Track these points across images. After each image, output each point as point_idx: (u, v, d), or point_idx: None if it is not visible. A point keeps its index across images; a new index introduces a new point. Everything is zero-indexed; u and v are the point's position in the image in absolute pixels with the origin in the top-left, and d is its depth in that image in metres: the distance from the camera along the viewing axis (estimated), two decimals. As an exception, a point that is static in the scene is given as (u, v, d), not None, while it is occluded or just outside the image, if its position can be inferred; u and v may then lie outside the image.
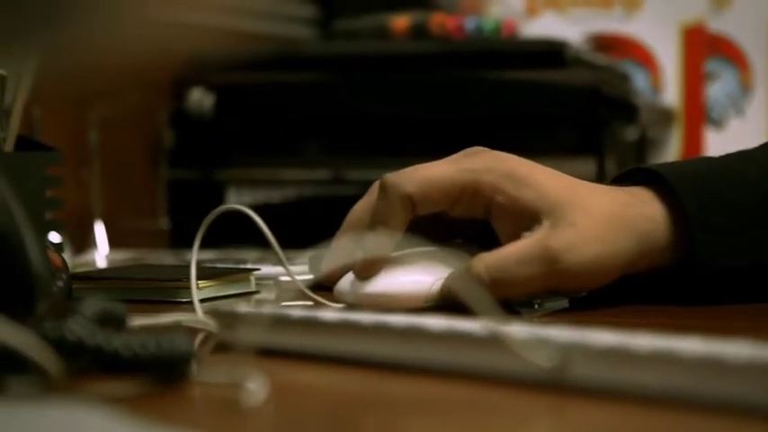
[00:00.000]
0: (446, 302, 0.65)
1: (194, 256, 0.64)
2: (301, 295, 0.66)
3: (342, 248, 0.68)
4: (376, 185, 0.69)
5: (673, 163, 0.75)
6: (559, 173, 0.68)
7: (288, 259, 0.80)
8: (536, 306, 0.68)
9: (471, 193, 0.66)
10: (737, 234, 0.68)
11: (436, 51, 1.17)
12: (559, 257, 0.64)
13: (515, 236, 0.66)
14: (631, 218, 0.67)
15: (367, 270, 0.65)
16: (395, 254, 0.67)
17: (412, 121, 1.15)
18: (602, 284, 0.67)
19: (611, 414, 0.43)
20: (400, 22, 1.25)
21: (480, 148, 0.69)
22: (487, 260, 0.65)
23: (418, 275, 0.66)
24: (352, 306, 0.65)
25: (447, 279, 0.66)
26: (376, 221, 0.67)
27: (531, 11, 1.57)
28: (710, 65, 1.55)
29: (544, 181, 0.66)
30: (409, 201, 0.66)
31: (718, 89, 1.55)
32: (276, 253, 0.64)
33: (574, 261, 0.64)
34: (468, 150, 0.69)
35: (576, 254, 0.64)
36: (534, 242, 0.65)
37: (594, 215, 0.66)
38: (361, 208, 0.71)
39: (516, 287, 0.65)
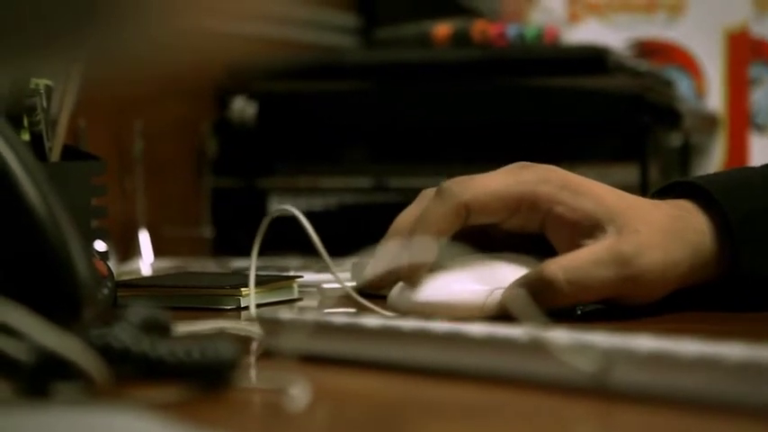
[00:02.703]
0: (503, 313, 0.65)
1: (253, 262, 0.64)
2: (345, 302, 0.66)
3: (387, 254, 0.68)
4: (424, 193, 0.69)
5: (714, 174, 0.75)
6: (608, 186, 0.69)
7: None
8: (579, 312, 0.68)
9: (529, 204, 0.66)
10: None
11: (478, 59, 1.18)
12: (632, 261, 0.64)
13: (574, 246, 0.66)
14: (683, 230, 0.67)
15: (412, 273, 0.65)
16: (450, 261, 0.66)
17: (453, 129, 1.15)
18: (663, 296, 0.67)
19: (655, 419, 0.43)
20: (442, 30, 1.25)
21: (528, 162, 0.69)
22: (562, 263, 0.65)
23: (474, 284, 0.66)
24: (404, 314, 0.64)
25: (513, 284, 0.65)
26: (424, 222, 0.66)
27: (573, 17, 1.57)
28: (754, 70, 1.54)
29: (599, 191, 0.67)
30: (465, 208, 0.66)
31: (762, 94, 1.54)
32: (322, 259, 0.64)
33: (645, 265, 0.65)
34: (520, 163, 0.69)
35: (646, 259, 0.65)
36: (606, 247, 0.65)
37: (654, 225, 0.66)
38: (408, 215, 0.71)
39: (591, 291, 0.65)
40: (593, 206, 0.66)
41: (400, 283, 0.66)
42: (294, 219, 0.63)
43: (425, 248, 0.65)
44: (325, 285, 0.77)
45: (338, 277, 0.66)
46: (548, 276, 0.64)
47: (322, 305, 0.66)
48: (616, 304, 0.67)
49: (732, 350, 0.43)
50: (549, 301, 0.63)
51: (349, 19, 1.50)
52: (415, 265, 0.65)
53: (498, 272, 0.67)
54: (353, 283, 0.69)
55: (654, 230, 0.66)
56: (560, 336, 0.47)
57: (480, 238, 0.70)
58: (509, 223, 0.67)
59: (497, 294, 0.65)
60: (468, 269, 0.67)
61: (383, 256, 0.68)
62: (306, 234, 0.63)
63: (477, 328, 0.49)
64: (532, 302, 0.46)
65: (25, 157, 0.54)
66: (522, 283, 0.65)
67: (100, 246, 0.78)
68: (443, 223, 0.66)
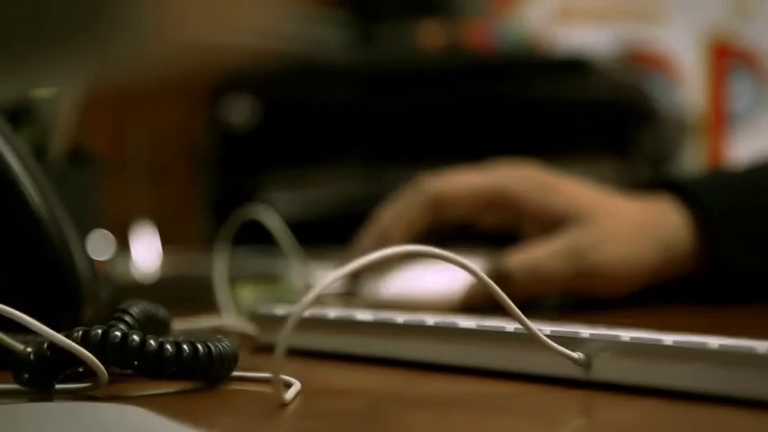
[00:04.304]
0: (472, 306, 0.66)
1: (221, 259, 0.65)
2: (336, 298, 0.68)
3: (363, 247, 0.69)
4: (404, 189, 0.71)
5: (694, 173, 0.77)
6: (585, 183, 0.70)
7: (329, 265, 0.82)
8: (549, 307, 0.69)
9: (501, 201, 0.68)
10: (762, 240, 0.69)
11: (466, 66, 1.19)
12: (587, 253, 0.66)
13: None
14: (655, 226, 0.68)
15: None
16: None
17: (445, 132, 1.17)
18: (628, 291, 0.68)
19: (639, 408, 0.43)
20: (432, 34, 1.26)
21: (505, 160, 0.71)
22: (519, 254, 0.66)
23: (444, 279, 0.67)
24: (377, 307, 0.66)
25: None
26: (396, 214, 0.68)
27: (560, 21, 1.57)
28: (736, 77, 1.55)
29: (572, 190, 0.68)
30: (437, 201, 0.68)
31: (743, 101, 1.55)
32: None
33: (600, 259, 0.66)
34: (498, 161, 0.70)
35: (602, 252, 0.66)
36: (562, 239, 0.66)
37: (620, 220, 0.67)
38: (386, 209, 0.72)
39: (547, 282, 0.66)
40: (564, 204, 0.67)
41: (374, 276, 0.68)
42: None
43: (395, 239, 0.67)
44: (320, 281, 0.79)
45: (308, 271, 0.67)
46: (503, 267, 0.66)
47: (315, 301, 0.67)
48: (588, 298, 0.68)
49: (719, 340, 0.44)
50: (508, 293, 0.64)
51: (342, 19, 1.51)
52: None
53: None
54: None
55: (620, 226, 0.67)
56: (549, 327, 0.48)
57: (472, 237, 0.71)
58: (485, 220, 0.69)
59: (462, 288, 0.67)
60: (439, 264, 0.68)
61: (360, 250, 0.70)
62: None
63: (467, 321, 0.51)
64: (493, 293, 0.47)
65: (25, 157, 0.54)
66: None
67: (99, 243, 0.79)
68: (414, 215, 0.68)
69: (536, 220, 0.68)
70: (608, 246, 0.66)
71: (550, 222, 0.67)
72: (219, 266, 0.64)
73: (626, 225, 0.67)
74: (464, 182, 0.68)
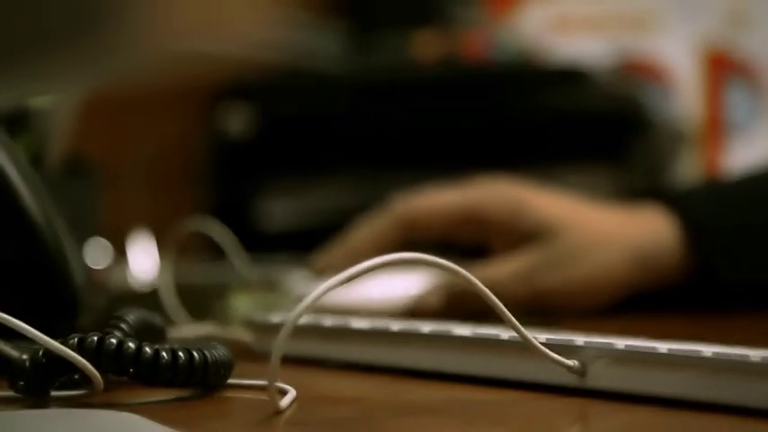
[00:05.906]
0: (416, 313, 0.67)
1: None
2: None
3: (334, 263, 0.70)
4: (380, 209, 0.72)
5: (687, 184, 0.78)
6: (563, 196, 0.70)
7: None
8: None
9: (473, 220, 0.69)
10: (753, 253, 0.69)
11: (462, 76, 1.20)
12: (544, 275, 0.66)
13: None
14: (633, 237, 0.68)
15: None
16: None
17: (439, 141, 1.17)
18: (599, 304, 0.68)
19: (634, 417, 0.44)
20: (428, 45, 1.26)
21: (487, 177, 0.71)
22: (477, 275, 0.67)
23: (389, 286, 0.68)
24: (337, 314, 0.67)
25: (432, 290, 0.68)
26: (367, 232, 0.69)
27: (557, 29, 1.57)
28: (733, 87, 1.55)
29: (544, 206, 0.68)
30: (407, 222, 0.69)
31: (737, 109, 1.55)
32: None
33: (559, 280, 0.66)
34: (477, 178, 0.71)
35: (560, 273, 0.66)
36: (521, 260, 0.67)
37: (589, 234, 0.67)
38: (360, 227, 0.73)
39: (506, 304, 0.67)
40: (533, 222, 0.68)
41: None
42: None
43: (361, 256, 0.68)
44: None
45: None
46: (458, 287, 0.66)
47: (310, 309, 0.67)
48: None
49: (707, 348, 0.44)
50: (465, 310, 0.63)
51: (338, 24, 1.51)
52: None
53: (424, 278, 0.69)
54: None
55: (587, 240, 0.67)
56: (542, 335, 0.48)
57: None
58: (459, 238, 0.70)
59: (411, 297, 0.68)
60: (399, 274, 0.69)
61: (330, 266, 0.70)
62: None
63: (461, 329, 0.51)
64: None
65: (22, 165, 0.55)
66: (445, 290, 0.67)
67: (96, 251, 0.79)
68: (383, 234, 0.69)
69: (506, 237, 0.68)
70: (569, 265, 0.67)
71: (520, 240, 0.68)
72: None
73: (594, 239, 0.68)
74: (436, 202, 0.69)
